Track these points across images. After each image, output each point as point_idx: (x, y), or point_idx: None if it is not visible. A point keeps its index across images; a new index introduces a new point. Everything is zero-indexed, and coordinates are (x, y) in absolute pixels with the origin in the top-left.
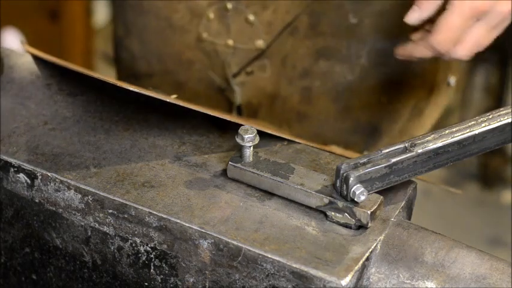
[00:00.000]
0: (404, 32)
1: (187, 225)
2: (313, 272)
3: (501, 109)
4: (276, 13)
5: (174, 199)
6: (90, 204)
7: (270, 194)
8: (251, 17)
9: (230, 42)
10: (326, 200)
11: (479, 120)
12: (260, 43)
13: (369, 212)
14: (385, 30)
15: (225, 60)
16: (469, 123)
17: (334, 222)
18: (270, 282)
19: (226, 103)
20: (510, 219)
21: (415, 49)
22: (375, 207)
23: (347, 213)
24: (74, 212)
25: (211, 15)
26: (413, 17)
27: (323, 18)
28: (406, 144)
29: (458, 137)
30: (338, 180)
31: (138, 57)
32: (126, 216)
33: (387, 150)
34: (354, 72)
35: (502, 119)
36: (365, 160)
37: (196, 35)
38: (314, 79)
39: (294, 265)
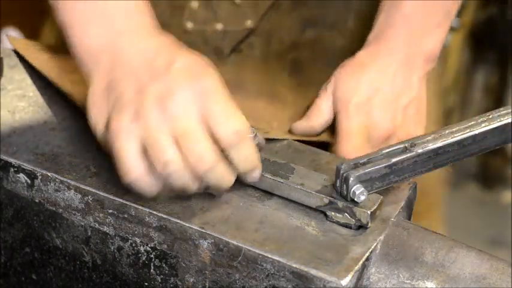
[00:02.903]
0: None
1: (187, 225)
2: (313, 272)
3: (501, 109)
4: None
5: (174, 199)
6: (90, 204)
7: (270, 194)
8: (237, 0)
9: (219, 26)
10: (326, 200)
11: (479, 120)
12: (249, 23)
13: (369, 212)
14: None
15: (216, 45)
16: (469, 123)
17: (334, 222)
18: (270, 282)
19: None
20: (510, 219)
21: None
22: (375, 207)
23: (347, 213)
24: (74, 212)
25: (195, 5)
26: (299, 126)
27: None
28: (406, 144)
29: (458, 137)
30: (338, 180)
31: None
32: (126, 216)
33: (387, 150)
34: (344, 36)
35: (502, 119)
36: (365, 160)
37: (178, 28)
38: (303, 49)
39: (294, 265)
